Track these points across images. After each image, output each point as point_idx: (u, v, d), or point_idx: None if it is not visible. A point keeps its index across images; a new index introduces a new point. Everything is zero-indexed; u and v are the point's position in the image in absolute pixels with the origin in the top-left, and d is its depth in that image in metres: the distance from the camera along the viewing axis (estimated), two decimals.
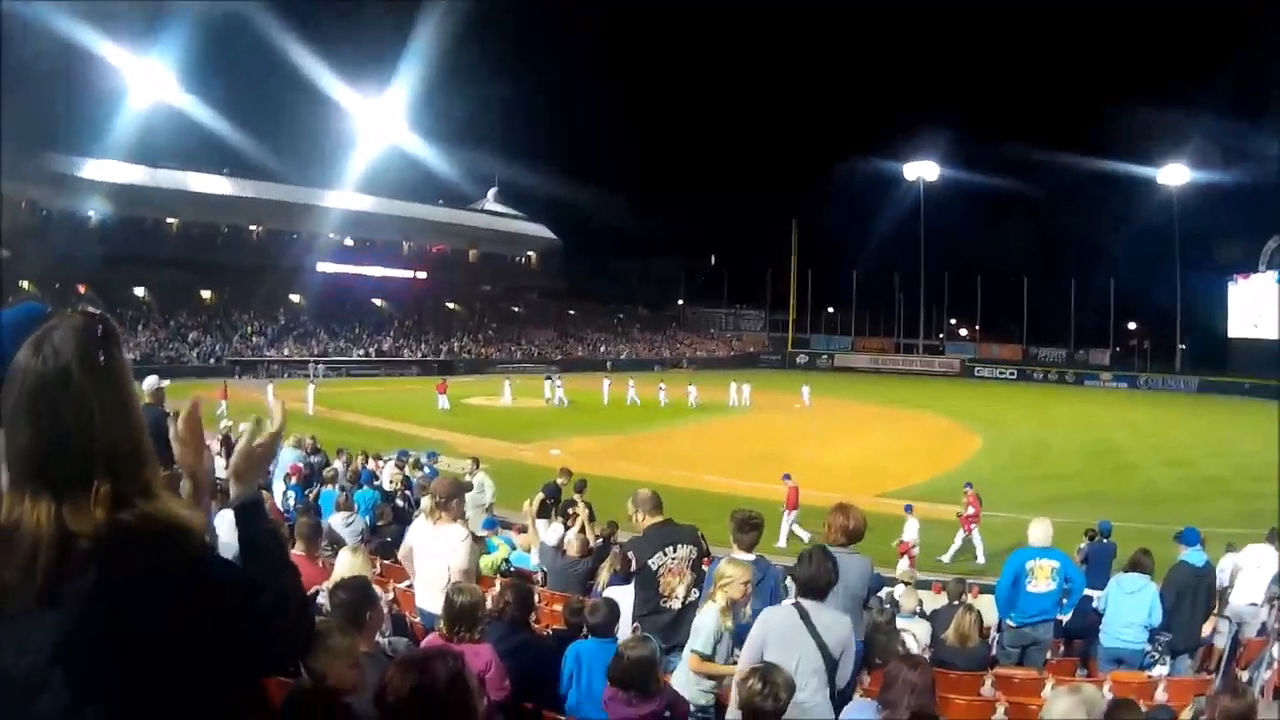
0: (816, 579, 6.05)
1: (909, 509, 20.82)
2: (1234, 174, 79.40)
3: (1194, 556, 11.37)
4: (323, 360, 70.51)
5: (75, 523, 1.82)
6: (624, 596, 7.91)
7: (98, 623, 1.77)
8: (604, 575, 10.33)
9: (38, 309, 2.65)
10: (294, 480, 17.58)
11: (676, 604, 7.52)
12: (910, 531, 19.85)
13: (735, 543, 7.58)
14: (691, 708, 6.14)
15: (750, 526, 7.41)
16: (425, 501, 7.96)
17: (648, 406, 50.63)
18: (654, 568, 7.60)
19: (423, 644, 6.13)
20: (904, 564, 17.80)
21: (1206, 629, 11.25)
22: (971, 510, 21.07)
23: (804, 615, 5.89)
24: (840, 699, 6.07)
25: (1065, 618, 11.06)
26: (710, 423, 45.82)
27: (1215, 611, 11.62)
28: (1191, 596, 10.97)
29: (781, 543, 20.55)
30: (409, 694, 2.65)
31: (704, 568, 8.14)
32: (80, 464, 1.87)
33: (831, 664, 5.85)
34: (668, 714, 5.52)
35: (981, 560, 20.29)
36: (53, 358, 1.90)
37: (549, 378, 55.33)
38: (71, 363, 1.90)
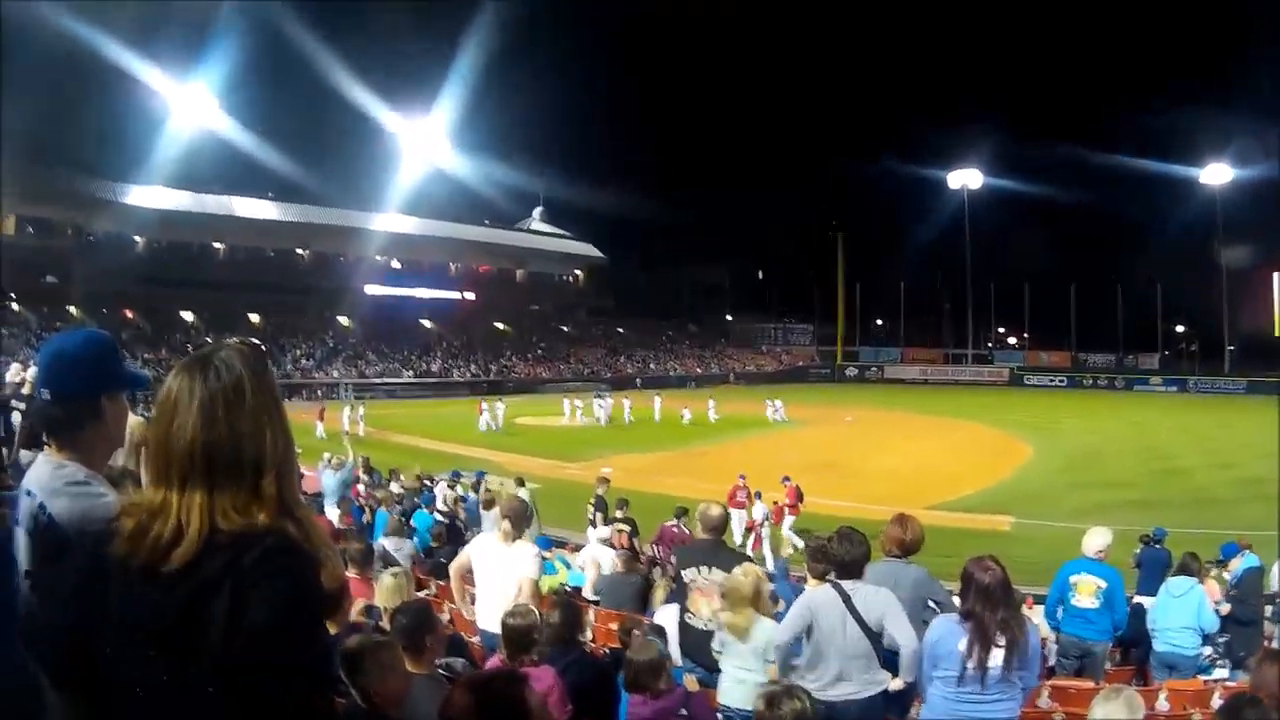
0: (850, 557, 6.29)
1: (758, 495, 21.65)
2: (1277, 170, 78.40)
3: (1253, 560, 11.41)
4: (374, 382, 71.22)
5: (224, 521, 1.96)
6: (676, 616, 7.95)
7: (216, 606, 1.88)
8: (660, 594, 10.32)
9: (104, 336, 2.73)
10: (355, 502, 17.77)
11: (699, 623, 7.48)
12: (758, 512, 20.93)
13: (809, 570, 7.58)
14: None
15: (821, 555, 7.37)
16: (501, 523, 7.97)
17: (670, 423, 50.57)
18: (686, 580, 7.71)
19: (485, 666, 6.18)
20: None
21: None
22: (789, 501, 21.78)
23: (844, 596, 6.08)
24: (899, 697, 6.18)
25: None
26: (762, 438, 45.52)
27: (1268, 616, 11.62)
28: (1258, 599, 11.03)
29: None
30: (470, 714, 2.66)
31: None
32: (247, 469, 2.02)
33: (875, 638, 6.03)
34: (683, 712, 5.60)
35: (790, 551, 20.56)
36: (226, 373, 2.05)
37: (598, 396, 55.22)
38: (245, 378, 2.06)
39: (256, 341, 2.23)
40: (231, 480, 1.99)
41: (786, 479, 22.49)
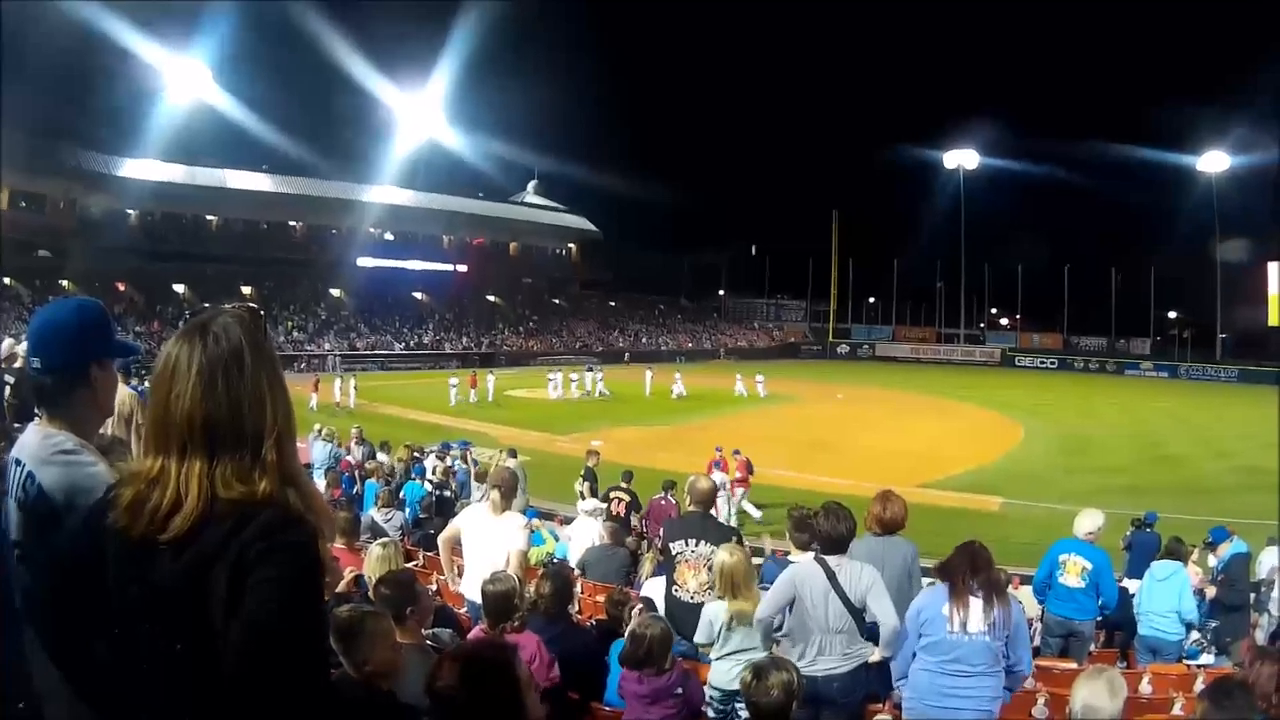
0: (836, 533, 6.28)
1: (718, 465, 21.86)
2: (1273, 160, 78.39)
3: (1241, 546, 11.50)
4: (362, 354, 71.23)
5: (225, 489, 1.97)
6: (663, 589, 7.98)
7: (215, 576, 1.91)
8: (647, 567, 10.37)
9: (94, 305, 2.73)
10: (345, 474, 17.77)
11: (685, 596, 7.57)
12: (716, 480, 20.47)
13: (791, 541, 7.62)
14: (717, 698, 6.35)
15: (804, 526, 7.41)
16: (490, 493, 8.00)
17: (661, 397, 50.23)
18: (673, 552, 7.72)
19: (469, 636, 6.20)
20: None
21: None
22: (739, 475, 22.11)
23: (828, 571, 6.10)
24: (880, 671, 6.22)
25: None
26: (752, 413, 45.41)
27: (1253, 605, 11.70)
28: (1246, 585, 11.14)
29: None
30: (458, 684, 2.68)
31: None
32: (248, 437, 2.03)
33: (858, 614, 6.04)
34: (679, 690, 5.63)
35: (759, 519, 21.33)
36: (225, 340, 2.05)
37: (589, 369, 55.06)
38: (243, 344, 2.06)
39: (255, 306, 2.23)
40: (232, 448, 2.00)
41: (736, 452, 22.73)
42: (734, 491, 21.89)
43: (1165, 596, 10.08)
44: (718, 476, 20.92)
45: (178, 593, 1.92)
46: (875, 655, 6.12)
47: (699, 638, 6.57)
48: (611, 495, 16.55)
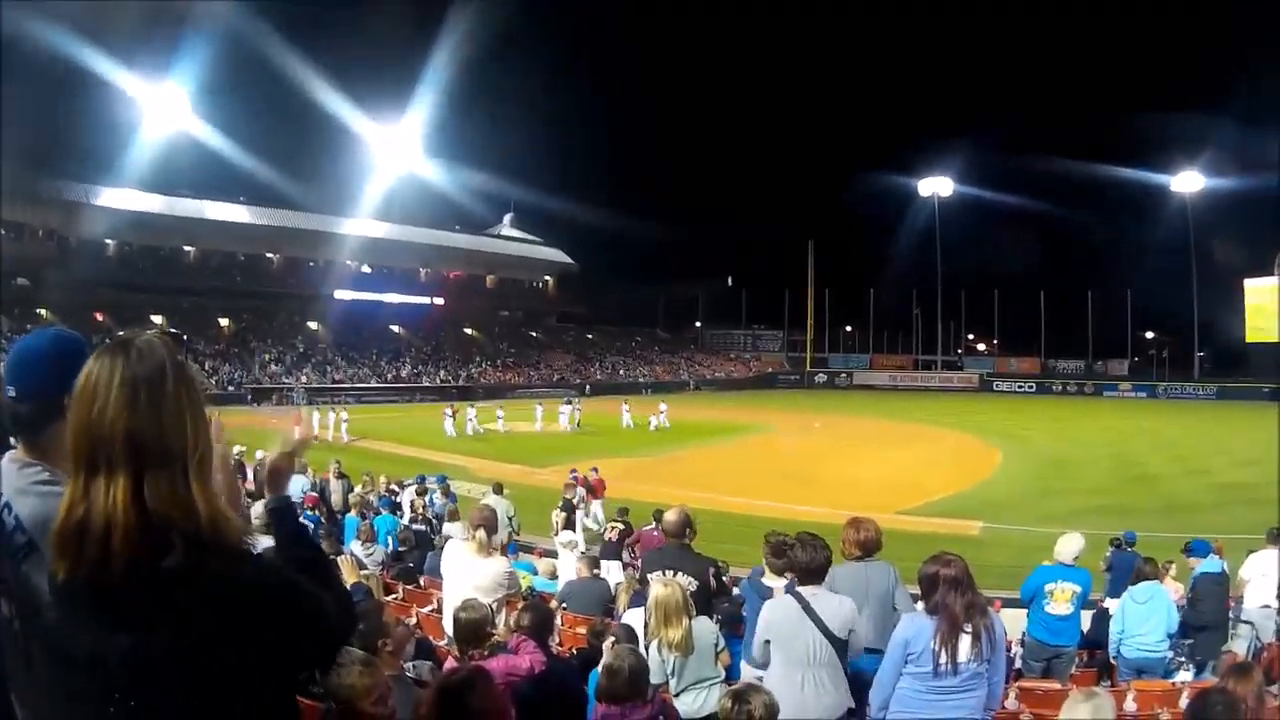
0: (814, 563, 6.30)
1: (574, 474, 23.27)
2: (1247, 179, 79.20)
3: (1213, 565, 11.51)
4: (329, 387, 70.43)
5: (158, 504, 1.93)
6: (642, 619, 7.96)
7: (183, 609, 1.90)
8: (624, 598, 10.33)
9: (72, 337, 2.73)
10: (308, 509, 17.64)
11: None
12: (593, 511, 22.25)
13: (768, 566, 7.62)
14: None
15: (781, 552, 7.42)
16: (476, 533, 7.96)
17: (640, 429, 50.19)
18: (651, 583, 7.64)
19: (445, 666, 6.18)
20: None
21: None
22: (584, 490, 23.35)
23: (804, 603, 6.07)
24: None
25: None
26: (730, 443, 45.72)
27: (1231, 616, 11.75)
28: (1216, 604, 11.12)
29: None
30: (442, 714, 2.67)
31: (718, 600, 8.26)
32: (175, 453, 1.99)
33: (840, 646, 6.01)
34: (661, 718, 5.55)
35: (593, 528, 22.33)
36: (149, 357, 2.02)
37: (568, 402, 54.89)
38: (166, 363, 2.03)
39: (176, 332, 2.25)
40: (160, 464, 1.96)
41: (595, 469, 24.51)
42: (589, 502, 23.32)
43: (1149, 618, 10.11)
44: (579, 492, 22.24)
45: (158, 659, 1.89)
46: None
47: (654, 680, 6.52)
48: (609, 525, 16.74)
